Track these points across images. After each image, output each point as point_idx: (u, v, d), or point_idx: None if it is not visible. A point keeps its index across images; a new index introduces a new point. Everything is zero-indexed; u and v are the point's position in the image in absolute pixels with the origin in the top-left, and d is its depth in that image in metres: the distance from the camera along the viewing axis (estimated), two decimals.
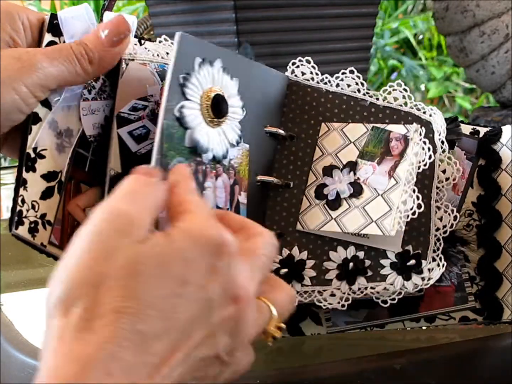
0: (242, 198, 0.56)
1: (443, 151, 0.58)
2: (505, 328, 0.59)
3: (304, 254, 0.57)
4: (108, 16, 0.56)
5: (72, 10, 0.55)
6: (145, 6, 1.16)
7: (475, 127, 0.61)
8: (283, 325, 0.43)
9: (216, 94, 0.54)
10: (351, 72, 0.60)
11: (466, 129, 0.61)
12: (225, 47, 0.60)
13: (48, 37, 0.55)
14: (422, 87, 2.18)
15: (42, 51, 0.52)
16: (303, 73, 0.61)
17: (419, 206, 0.53)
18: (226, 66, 0.55)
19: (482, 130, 0.61)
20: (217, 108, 0.54)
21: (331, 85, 0.60)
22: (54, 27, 0.55)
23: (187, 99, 0.52)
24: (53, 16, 0.55)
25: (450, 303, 0.58)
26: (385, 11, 2.25)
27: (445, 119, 0.60)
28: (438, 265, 0.56)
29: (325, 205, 0.57)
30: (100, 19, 0.89)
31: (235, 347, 0.39)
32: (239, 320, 0.38)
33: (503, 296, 0.59)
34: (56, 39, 0.55)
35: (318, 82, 0.61)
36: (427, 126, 0.58)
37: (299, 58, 0.61)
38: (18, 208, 0.52)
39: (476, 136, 0.60)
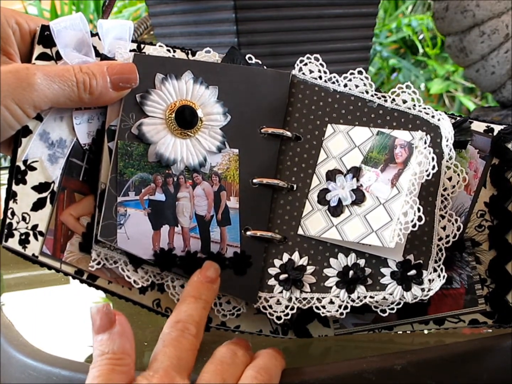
0: (232, 203, 0.56)
1: (450, 158, 0.56)
2: (506, 329, 0.59)
3: (305, 260, 0.57)
4: (104, 25, 0.56)
5: (66, 20, 0.55)
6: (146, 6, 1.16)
7: (489, 124, 0.58)
8: None
9: (181, 106, 0.55)
10: (360, 72, 0.59)
11: (480, 126, 0.58)
12: (225, 47, 0.60)
13: (39, 49, 0.55)
14: (422, 86, 2.18)
15: (43, 70, 0.51)
16: (310, 71, 0.59)
17: (419, 219, 0.52)
18: (199, 76, 0.56)
19: (497, 128, 0.58)
20: (182, 119, 0.55)
21: (338, 85, 0.59)
22: (45, 38, 0.55)
23: (147, 116, 0.55)
24: (44, 28, 0.55)
25: (460, 305, 0.57)
26: (385, 11, 2.25)
27: (456, 119, 0.58)
28: (439, 276, 0.55)
29: (327, 211, 0.56)
30: (102, 16, 0.88)
31: None
32: None
33: None
34: (48, 50, 0.55)
35: (325, 81, 0.59)
36: (435, 130, 0.57)
37: (307, 55, 0.59)
38: (8, 220, 0.53)
39: (490, 134, 0.58)
